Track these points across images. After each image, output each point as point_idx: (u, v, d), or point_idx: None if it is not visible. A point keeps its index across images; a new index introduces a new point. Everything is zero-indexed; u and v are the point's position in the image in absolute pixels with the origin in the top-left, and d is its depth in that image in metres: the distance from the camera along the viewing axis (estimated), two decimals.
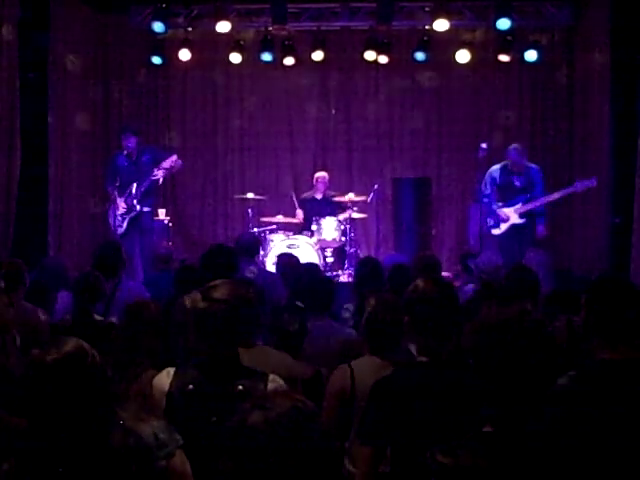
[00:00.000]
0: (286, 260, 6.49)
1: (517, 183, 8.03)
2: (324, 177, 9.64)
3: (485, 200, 8.14)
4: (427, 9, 9.62)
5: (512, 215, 7.96)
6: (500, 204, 8.03)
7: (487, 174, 8.16)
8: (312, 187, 9.83)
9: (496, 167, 8.14)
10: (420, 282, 2.82)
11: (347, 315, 4.94)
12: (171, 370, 2.81)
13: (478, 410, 2.00)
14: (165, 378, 2.79)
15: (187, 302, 2.90)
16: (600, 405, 2.43)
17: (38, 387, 2.18)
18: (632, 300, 2.67)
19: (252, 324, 2.86)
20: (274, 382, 2.71)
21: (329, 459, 1.74)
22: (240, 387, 2.65)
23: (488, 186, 8.09)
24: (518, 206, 7.94)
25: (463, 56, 9.81)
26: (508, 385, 1.92)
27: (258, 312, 2.89)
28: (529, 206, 7.91)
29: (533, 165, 8.24)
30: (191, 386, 2.70)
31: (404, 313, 2.84)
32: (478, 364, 1.99)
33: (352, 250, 9.12)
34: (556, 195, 7.90)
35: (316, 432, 1.69)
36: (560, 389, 2.51)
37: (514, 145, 8.18)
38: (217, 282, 2.82)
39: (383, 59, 10.10)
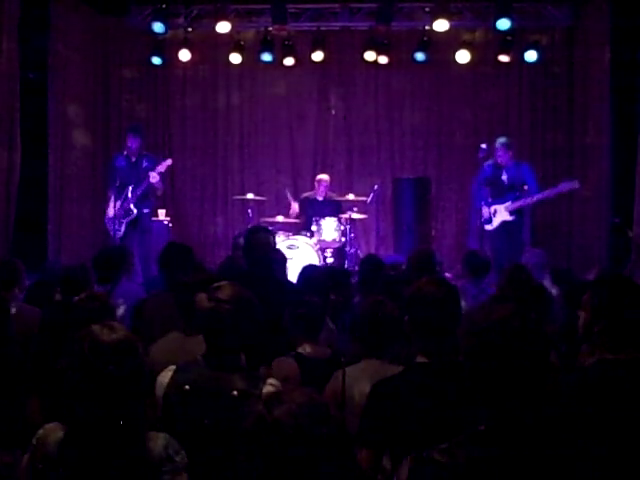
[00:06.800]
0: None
1: (504, 178, 8.06)
2: (327, 180, 9.54)
3: (478, 196, 8.20)
4: (427, 9, 9.64)
5: (502, 211, 7.99)
6: (490, 200, 8.08)
7: (480, 170, 8.22)
8: (312, 187, 9.78)
9: (488, 162, 8.19)
10: (422, 282, 2.78)
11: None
12: (173, 368, 2.81)
13: (476, 410, 2.00)
14: (166, 376, 2.79)
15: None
16: (602, 405, 2.43)
17: (97, 365, 2.12)
18: (634, 300, 2.67)
19: (255, 325, 2.85)
20: (271, 385, 2.71)
21: (345, 443, 1.86)
22: (235, 393, 2.66)
23: (482, 182, 8.16)
24: (508, 204, 7.98)
25: (463, 56, 9.81)
26: (502, 385, 1.92)
27: (260, 313, 2.88)
28: (518, 204, 7.93)
29: (524, 163, 8.24)
30: (187, 386, 2.71)
31: (404, 313, 2.79)
32: (472, 364, 1.98)
33: (352, 250, 9.10)
34: (542, 195, 7.89)
35: (332, 419, 1.83)
36: (563, 389, 2.51)
37: (499, 139, 8.19)
38: (221, 283, 2.85)
39: (383, 59, 10.11)
